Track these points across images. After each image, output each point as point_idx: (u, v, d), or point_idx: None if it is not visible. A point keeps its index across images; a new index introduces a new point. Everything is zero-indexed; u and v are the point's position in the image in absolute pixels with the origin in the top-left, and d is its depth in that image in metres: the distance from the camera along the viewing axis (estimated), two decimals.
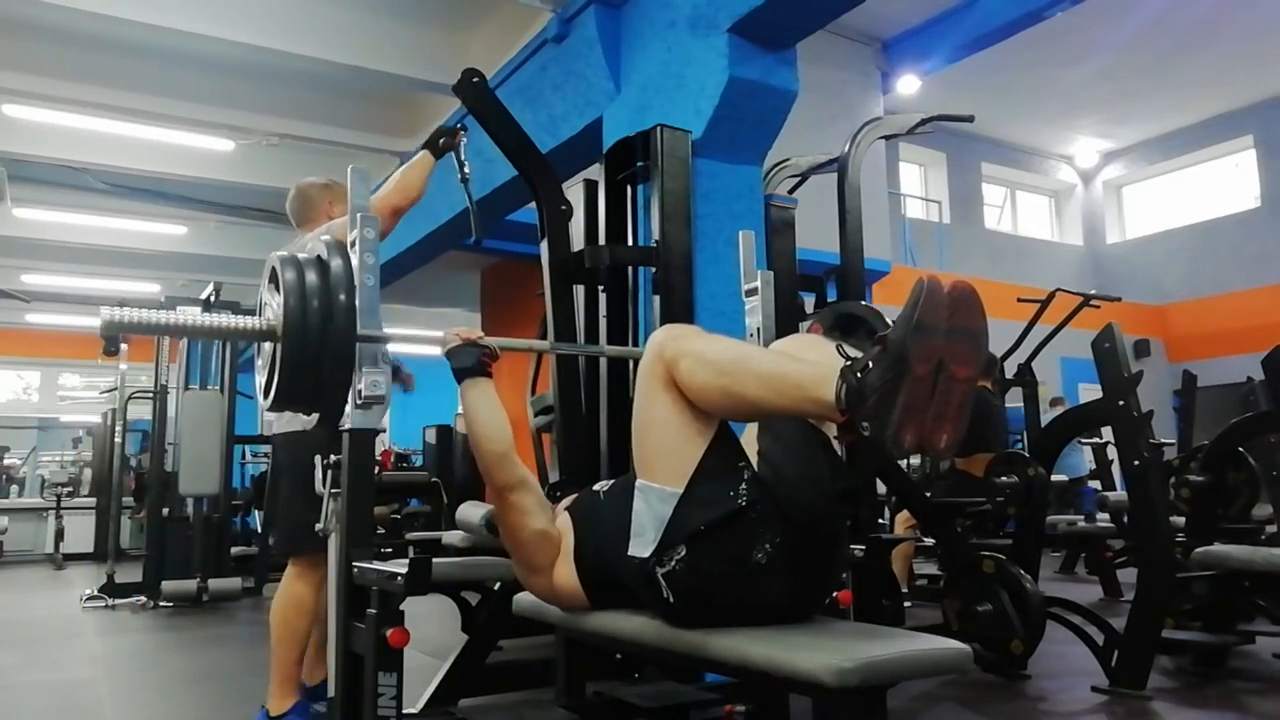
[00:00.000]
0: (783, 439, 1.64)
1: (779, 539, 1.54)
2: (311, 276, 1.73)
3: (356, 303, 1.86)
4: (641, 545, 1.61)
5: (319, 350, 1.69)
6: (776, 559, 1.54)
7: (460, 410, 1.94)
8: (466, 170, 3.03)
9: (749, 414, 1.67)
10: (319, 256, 1.79)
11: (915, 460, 5.08)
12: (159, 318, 1.77)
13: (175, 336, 5.82)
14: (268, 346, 1.81)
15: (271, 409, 1.84)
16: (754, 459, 1.64)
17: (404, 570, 1.80)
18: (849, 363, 1.39)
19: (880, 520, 4.23)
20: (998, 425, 4.94)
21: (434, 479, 6.39)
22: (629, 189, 3.40)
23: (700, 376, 1.55)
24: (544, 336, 3.66)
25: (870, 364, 1.35)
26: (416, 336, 2.16)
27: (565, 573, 1.81)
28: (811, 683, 1.33)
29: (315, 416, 2.74)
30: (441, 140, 3.00)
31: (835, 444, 1.67)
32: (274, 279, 1.77)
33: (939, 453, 1.38)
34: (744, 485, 1.56)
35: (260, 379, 1.86)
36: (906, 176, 12.84)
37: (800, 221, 3.81)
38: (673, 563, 1.57)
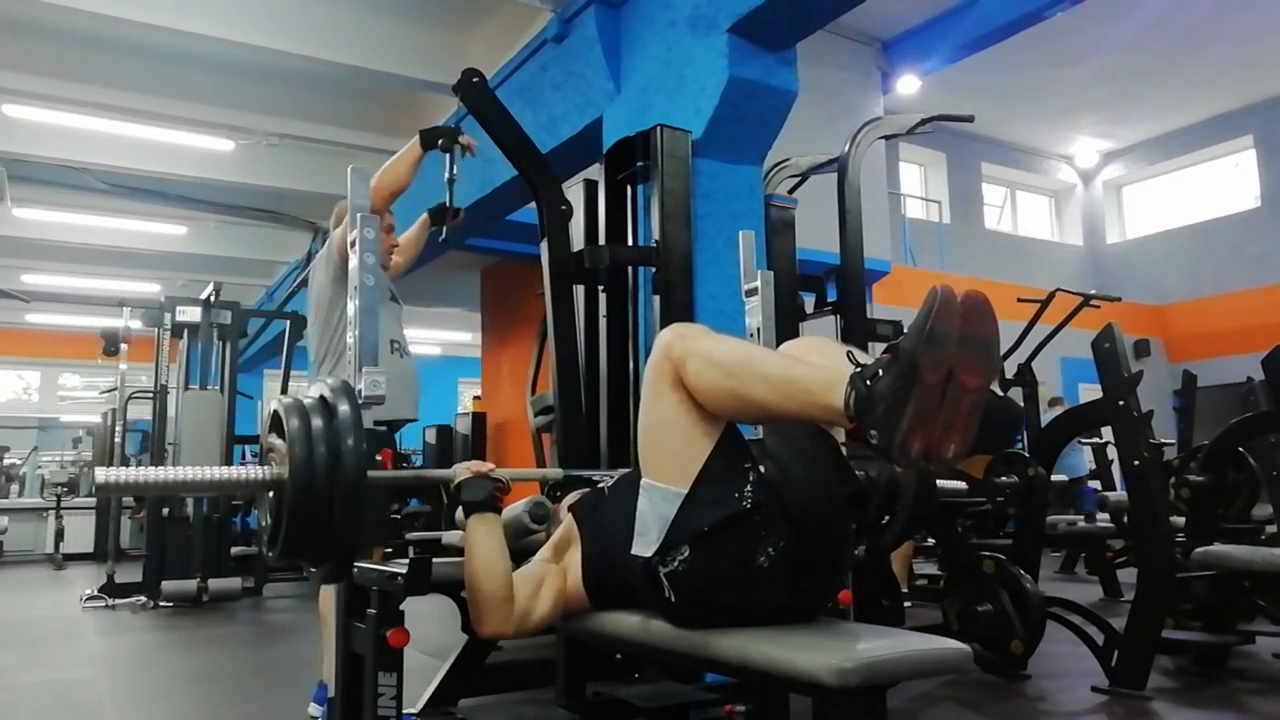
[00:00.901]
0: (790, 441, 1.63)
1: (783, 541, 1.54)
2: (317, 422, 1.67)
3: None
4: (645, 545, 1.61)
5: (328, 499, 1.63)
6: (780, 561, 1.54)
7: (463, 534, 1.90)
8: (455, 172, 3.08)
9: (756, 416, 1.66)
10: (323, 398, 1.75)
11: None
12: (159, 476, 1.71)
13: (177, 494, 5.79)
14: (272, 494, 1.76)
15: (278, 560, 1.80)
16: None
17: (404, 570, 1.80)
18: (859, 369, 1.38)
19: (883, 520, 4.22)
20: (1011, 426, 4.93)
21: None
22: (629, 189, 3.40)
23: (707, 377, 1.55)
24: (544, 336, 3.66)
25: (880, 371, 1.35)
26: (429, 476, 2.10)
27: (574, 582, 1.82)
28: (811, 683, 1.33)
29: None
30: (440, 141, 3.00)
31: (843, 448, 1.66)
32: (276, 425, 1.72)
33: (946, 462, 1.36)
34: (749, 487, 1.55)
35: (264, 521, 1.80)
36: (906, 176, 12.84)
37: (800, 221, 3.82)
38: (675, 563, 1.57)
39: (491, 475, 1.88)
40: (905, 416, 1.32)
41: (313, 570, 1.82)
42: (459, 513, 1.93)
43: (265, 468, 1.73)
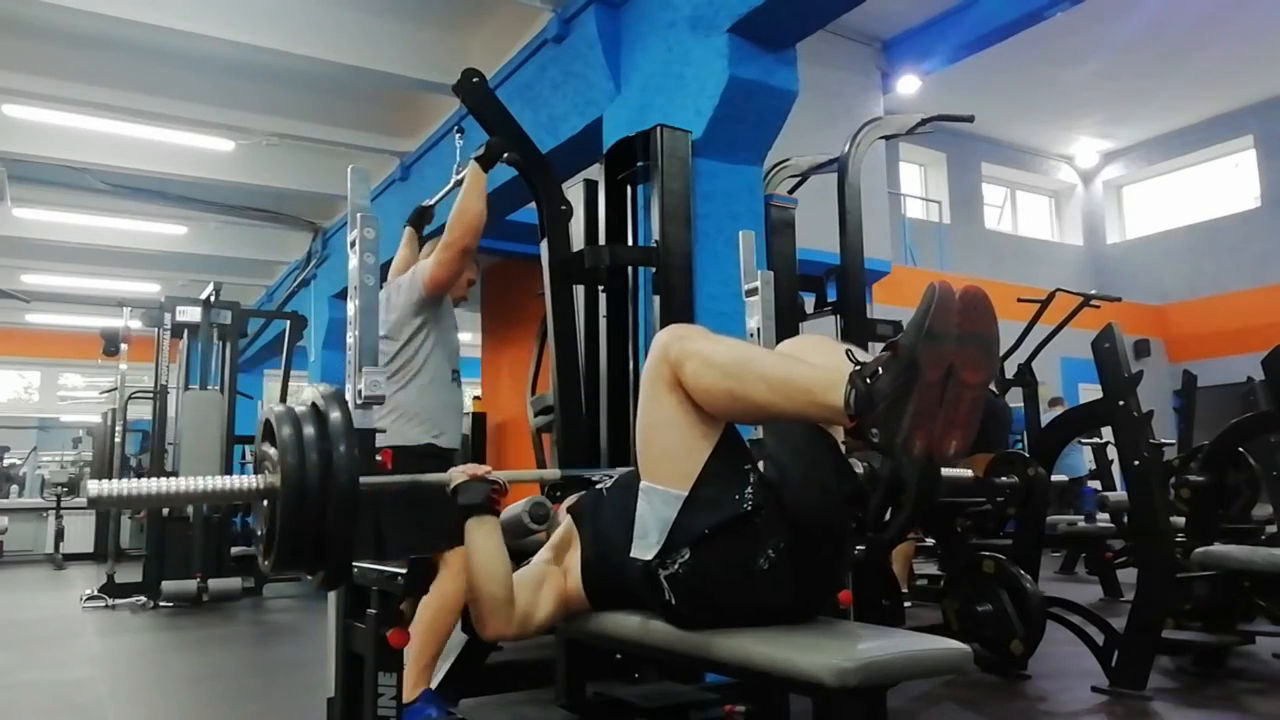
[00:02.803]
0: (788, 441, 1.63)
1: (783, 543, 1.54)
2: (309, 430, 1.66)
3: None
4: (644, 548, 1.60)
5: (321, 507, 1.62)
6: (781, 562, 1.54)
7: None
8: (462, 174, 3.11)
9: (755, 417, 1.66)
10: (315, 406, 1.75)
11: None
12: (152, 488, 1.68)
13: (171, 506, 5.84)
14: (266, 503, 1.73)
15: (273, 571, 1.78)
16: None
17: (404, 570, 1.80)
18: (858, 368, 1.38)
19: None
20: (1003, 427, 4.93)
21: None
22: (629, 189, 3.40)
23: (706, 379, 1.54)
24: (544, 336, 3.66)
25: (880, 370, 1.34)
26: (425, 482, 2.06)
27: (573, 583, 1.82)
28: (811, 683, 1.33)
29: (414, 429, 2.79)
30: (506, 155, 2.98)
31: (842, 446, 1.66)
32: (269, 434, 1.70)
33: (947, 459, 1.36)
34: (749, 489, 1.55)
35: (259, 531, 1.78)
36: (906, 176, 12.84)
37: (800, 221, 3.82)
38: (676, 565, 1.56)
39: (488, 478, 1.87)
40: (906, 414, 1.31)
41: (309, 578, 1.81)
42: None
43: (259, 477, 1.71)
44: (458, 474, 1.88)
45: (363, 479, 1.74)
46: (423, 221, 3.38)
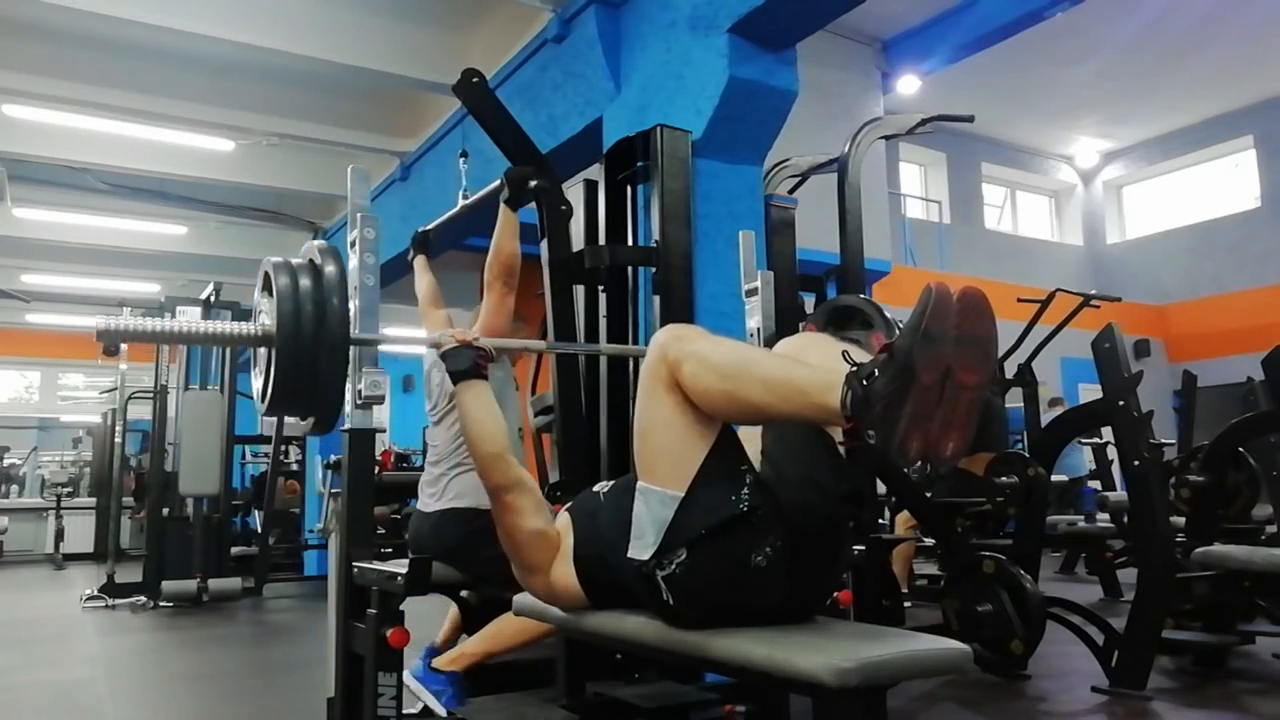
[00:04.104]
0: (786, 439, 1.63)
1: (780, 542, 1.54)
2: (305, 281, 1.73)
3: (352, 305, 1.85)
4: (641, 548, 1.60)
5: (314, 354, 1.68)
6: (777, 561, 1.53)
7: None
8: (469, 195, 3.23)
9: (753, 418, 1.66)
10: (312, 261, 1.79)
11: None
12: (154, 325, 1.77)
13: (171, 344, 5.92)
14: (263, 351, 1.81)
15: (268, 413, 1.85)
16: (756, 458, 1.63)
17: (404, 570, 1.80)
18: (854, 369, 1.37)
19: (880, 520, 4.22)
20: (999, 425, 4.93)
21: None
22: (629, 189, 3.40)
23: (703, 380, 1.53)
24: (544, 336, 3.67)
25: (876, 372, 1.34)
26: (411, 338, 2.16)
27: (564, 572, 1.81)
28: (811, 683, 1.33)
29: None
30: (535, 184, 2.94)
31: (840, 447, 1.65)
32: (267, 284, 1.77)
33: (944, 461, 1.36)
34: (746, 490, 1.54)
35: (256, 383, 1.86)
36: (906, 176, 12.84)
37: (800, 221, 3.82)
38: (673, 566, 1.56)
39: (475, 344, 1.95)
40: (903, 416, 1.31)
41: (302, 421, 1.86)
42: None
43: (257, 324, 1.78)
44: (446, 339, 1.97)
45: (354, 334, 1.82)
46: (428, 246, 3.41)
